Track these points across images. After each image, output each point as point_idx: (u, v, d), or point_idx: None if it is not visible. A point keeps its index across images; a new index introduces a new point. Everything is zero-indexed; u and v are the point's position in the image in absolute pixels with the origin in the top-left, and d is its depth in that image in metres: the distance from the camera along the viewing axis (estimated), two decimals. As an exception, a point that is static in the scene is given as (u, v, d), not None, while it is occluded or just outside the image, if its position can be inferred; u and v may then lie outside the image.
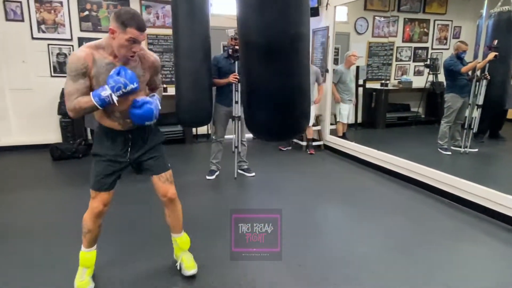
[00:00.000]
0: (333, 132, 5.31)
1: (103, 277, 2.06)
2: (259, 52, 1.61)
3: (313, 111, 5.05)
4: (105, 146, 1.87)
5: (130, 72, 1.67)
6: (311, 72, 4.94)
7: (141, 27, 1.66)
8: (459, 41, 4.58)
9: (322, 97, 5.11)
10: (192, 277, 2.05)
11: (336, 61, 5.68)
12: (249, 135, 6.21)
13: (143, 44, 1.85)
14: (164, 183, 1.98)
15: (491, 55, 4.03)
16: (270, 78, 1.64)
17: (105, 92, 1.64)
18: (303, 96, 1.74)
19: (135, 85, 1.67)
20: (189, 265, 2.08)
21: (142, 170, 1.99)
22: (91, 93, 1.66)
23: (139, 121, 1.79)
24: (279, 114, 1.70)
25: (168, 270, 2.13)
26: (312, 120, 5.04)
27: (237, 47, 3.54)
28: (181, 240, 2.12)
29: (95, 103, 1.64)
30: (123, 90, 1.65)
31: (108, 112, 1.79)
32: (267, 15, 1.55)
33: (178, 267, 2.10)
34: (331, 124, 5.38)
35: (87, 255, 1.99)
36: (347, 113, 5.24)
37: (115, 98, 1.65)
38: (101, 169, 1.87)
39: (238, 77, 3.55)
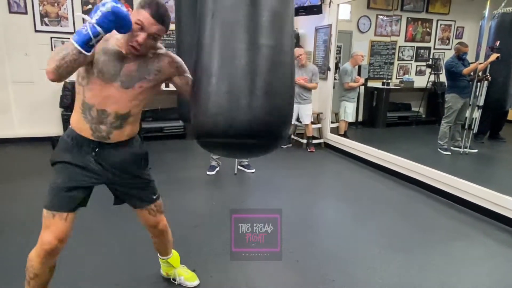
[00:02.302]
0: (334, 130, 5.33)
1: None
2: None
3: (311, 109, 5.05)
4: (70, 153, 1.46)
5: None
6: (307, 70, 4.92)
7: (156, 15, 1.37)
8: (458, 43, 4.58)
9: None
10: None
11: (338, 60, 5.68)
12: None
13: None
14: (154, 216, 1.66)
15: (493, 57, 4.03)
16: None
17: (86, 23, 1.21)
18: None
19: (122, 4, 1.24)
20: (189, 276, 1.94)
21: (123, 200, 1.64)
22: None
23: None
24: None
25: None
26: (310, 118, 5.05)
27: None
28: (172, 260, 1.92)
29: (74, 42, 1.21)
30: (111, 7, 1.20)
31: (85, 108, 1.43)
32: None
33: (176, 282, 1.94)
34: (332, 122, 5.39)
35: None
36: (351, 111, 5.26)
37: (98, 29, 1.20)
38: (65, 178, 1.44)
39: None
